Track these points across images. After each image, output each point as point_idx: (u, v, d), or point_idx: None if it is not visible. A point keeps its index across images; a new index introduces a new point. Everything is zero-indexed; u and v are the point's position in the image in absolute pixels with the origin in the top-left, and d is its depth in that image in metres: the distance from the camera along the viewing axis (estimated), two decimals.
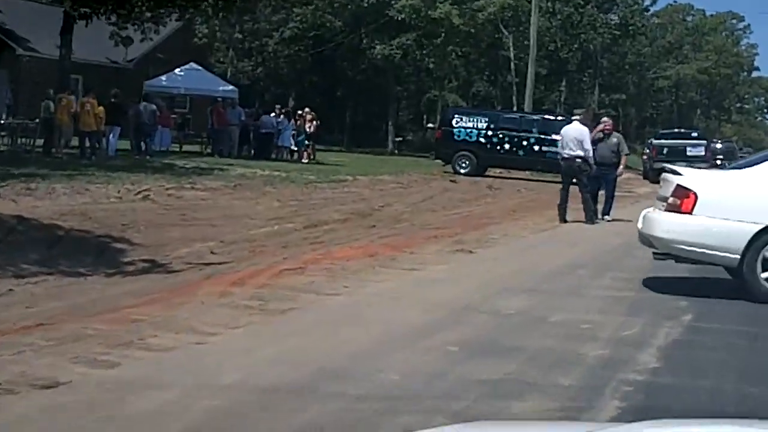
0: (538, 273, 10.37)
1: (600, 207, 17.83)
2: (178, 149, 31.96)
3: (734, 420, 3.27)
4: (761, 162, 9.64)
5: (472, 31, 41.81)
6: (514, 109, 42.84)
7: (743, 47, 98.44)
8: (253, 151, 31.85)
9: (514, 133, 30.96)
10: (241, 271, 10.15)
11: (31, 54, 40.32)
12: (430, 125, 49.14)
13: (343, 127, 53.15)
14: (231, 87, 34.36)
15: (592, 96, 64.13)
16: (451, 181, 27.98)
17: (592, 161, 16.73)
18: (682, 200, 9.13)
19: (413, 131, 57.46)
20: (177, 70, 34.96)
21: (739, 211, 9.06)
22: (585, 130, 16.96)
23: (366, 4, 43.02)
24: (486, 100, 54.63)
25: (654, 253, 9.72)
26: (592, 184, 18.04)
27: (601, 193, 18.01)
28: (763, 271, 8.95)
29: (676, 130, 43.29)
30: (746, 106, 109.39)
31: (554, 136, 29.50)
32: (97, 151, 24.95)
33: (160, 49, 43.22)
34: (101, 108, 25.00)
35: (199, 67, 34.73)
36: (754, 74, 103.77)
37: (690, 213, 9.08)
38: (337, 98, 54.35)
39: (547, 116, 33.77)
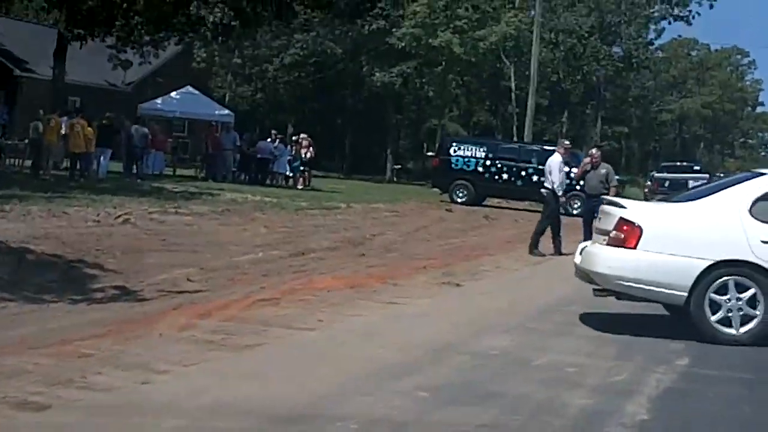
0: (527, 309, 9.82)
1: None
2: (171, 173, 31.52)
3: None
4: (708, 194, 9.10)
5: (473, 60, 41.42)
6: (515, 139, 42.40)
7: (748, 82, 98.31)
8: (248, 177, 31.40)
9: (513, 163, 30.48)
10: (214, 300, 9.61)
11: (29, 75, 40.02)
12: (429, 153, 48.69)
13: (342, 154, 52.68)
14: (227, 111, 33.96)
15: (594, 128, 63.72)
16: (447, 210, 27.47)
17: (558, 192, 16.73)
18: (627, 234, 8.60)
19: (413, 159, 57.00)
20: (173, 94, 34.57)
21: (687, 246, 8.53)
22: (554, 161, 16.74)
23: (367, 32, 42.64)
24: (487, 130, 54.20)
25: (594, 290, 9.16)
26: (586, 215, 17.63)
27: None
28: (713, 313, 8.42)
29: (678, 163, 42.79)
30: (750, 141, 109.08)
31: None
32: (87, 174, 24.44)
33: (159, 73, 42.94)
34: (90, 129, 24.51)
35: (196, 91, 34.32)
36: (759, 109, 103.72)
37: (634, 248, 8.54)
38: (337, 125, 53.96)
39: (546, 147, 33.22)
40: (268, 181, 31.83)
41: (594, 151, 18.59)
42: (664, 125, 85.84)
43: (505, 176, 30.40)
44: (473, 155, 30.67)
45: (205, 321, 8.12)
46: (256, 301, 9.46)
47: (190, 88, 34.54)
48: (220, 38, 40.34)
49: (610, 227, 8.77)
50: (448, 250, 17.10)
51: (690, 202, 9.05)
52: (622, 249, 8.58)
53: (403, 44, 40.90)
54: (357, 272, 12.99)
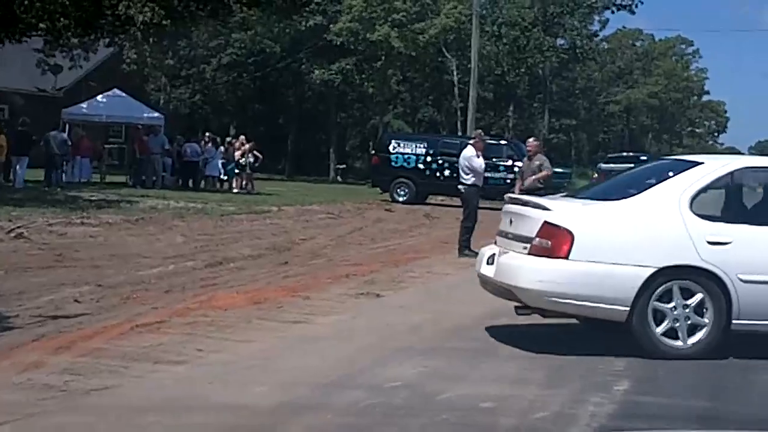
0: (450, 324, 8.60)
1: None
2: (99, 180, 30.01)
3: None
4: (642, 190, 7.82)
5: (413, 54, 40.19)
6: (459, 134, 41.28)
7: (693, 71, 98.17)
8: (181, 182, 29.99)
9: (455, 159, 29.11)
10: (88, 327, 8.28)
11: None
12: (374, 152, 47.48)
13: (286, 156, 51.33)
14: (156, 114, 32.41)
15: (542, 121, 62.90)
16: (386, 210, 26.26)
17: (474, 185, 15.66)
18: (555, 241, 7.30)
19: (360, 158, 55.80)
20: (99, 97, 32.93)
21: (626, 253, 7.31)
22: (467, 154, 15.54)
23: (304, 28, 41.29)
24: (432, 126, 53.07)
25: (516, 308, 7.90)
26: None
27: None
28: (657, 324, 7.27)
29: (624, 153, 41.90)
30: (697, 130, 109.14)
31: (497, 161, 28.04)
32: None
33: (92, 77, 41.30)
34: (2, 136, 22.97)
35: (123, 94, 32.70)
36: (705, 98, 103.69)
37: (566, 257, 7.27)
38: (279, 126, 52.57)
39: (489, 140, 32.14)
40: (202, 185, 30.48)
41: (531, 140, 17.48)
42: (612, 116, 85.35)
43: (447, 173, 29.15)
44: (413, 152, 29.50)
45: (59, 357, 6.80)
46: (135, 327, 8.14)
47: (117, 91, 32.92)
48: (151, 39, 38.84)
49: (532, 233, 7.47)
50: (379, 254, 15.90)
51: (625, 200, 7.69)
52: (551, 259, 7.29)
53: (340, 40, 39.55)
54: (270, 284, 11.72)
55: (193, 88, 50.96)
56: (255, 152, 30.48)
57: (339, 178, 47.46)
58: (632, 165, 35.61)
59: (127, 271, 12.55)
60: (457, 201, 29.58)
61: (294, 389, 5.89)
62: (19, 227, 14.55)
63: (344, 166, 49.15)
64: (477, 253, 15.58)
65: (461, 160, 15.84)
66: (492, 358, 7.10)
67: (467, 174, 15.57)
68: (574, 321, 8.37)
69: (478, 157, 15.84)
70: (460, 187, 15.81)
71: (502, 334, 8.14)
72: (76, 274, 11.92)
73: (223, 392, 5.85)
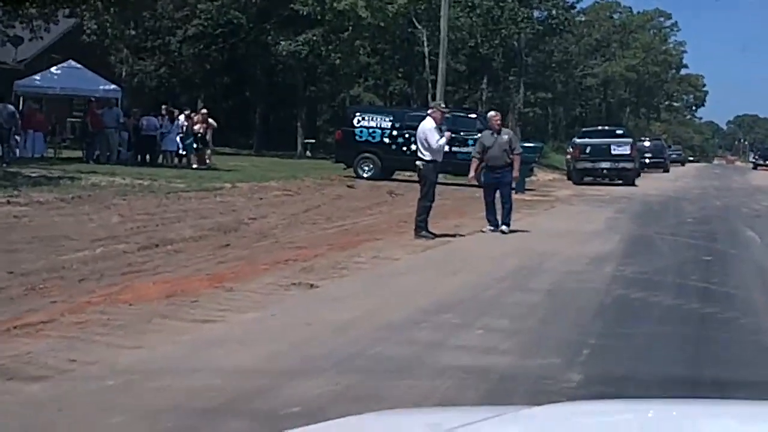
0: (382, 322, 7.42)
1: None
2: (53, 155, 28.64)
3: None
4: None
5: (383, 25, 38.80)
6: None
7: (671, 45, 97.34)
8: (139, 157, 28.68)
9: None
10: None
11: None
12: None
13: (251, 130, 49.92)
14: (113, 86, 31.02)
15: (517, 95, 61.64)
16: (348, 186, 25.09)
17: (432, 161, 14.41)
18: None
19: (330, 133, 54.40)
20: (53, 68, 31.56)
21: None
22: (426, 126, 14.35)
23: None
24: (404, 99, 51.72)
25: None
26: (488, 191, 15.42)
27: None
28: None
29: (599, 127, 40.70)
30: (675, 104, 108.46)
31: (466, 135, 26.82)
32: None
33: (55, 49, 39.75)
34: None
35: (79, 65, 31.28)
36: (683, 71, 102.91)
37: None
38: (247, 99, 51.10)
39: (458, 113, 30.91)
40: (160, 161, 29.18)
41: (492, 113, 16.36)
42: (589, 90, 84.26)
43: (414, 147, 27.87)
44: (378, 126, 28.24)
45: None
46: (12, 328, 6.94)
47: (72, 62, 31.51)
48: (112, 9, 37.38)
49: None
50: (330, 236, 14.74)
51: None
52: None
53: (307, 9, 38.11)
54: (199, 271, 10.57)
55: (158, 61, 49.33)
56: (208, 121, 29.11)
57: (308, 153, 46.10)
58: (607, 139, 34.86)
59: (47, 255, 11.39)
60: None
61: (158, 421, 4.69)
62: None
63: (314, 141, 47.73)
64: (434, 235, 14.57)
65: (418, 133, 14.66)
66: (424, 371, 5.92)
67: (425, 148, 14.38)
68: (536, 319, 7.25)
69: (439, 129, 14.66)
70: (417, 162, 14.62)
71: (440, 336, 6.97)
72: None
73: (69, 425, 4.66)
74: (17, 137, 27.47)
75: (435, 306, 8.12)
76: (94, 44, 42.47)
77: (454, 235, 14.71)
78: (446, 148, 26.95)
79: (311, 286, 9.19)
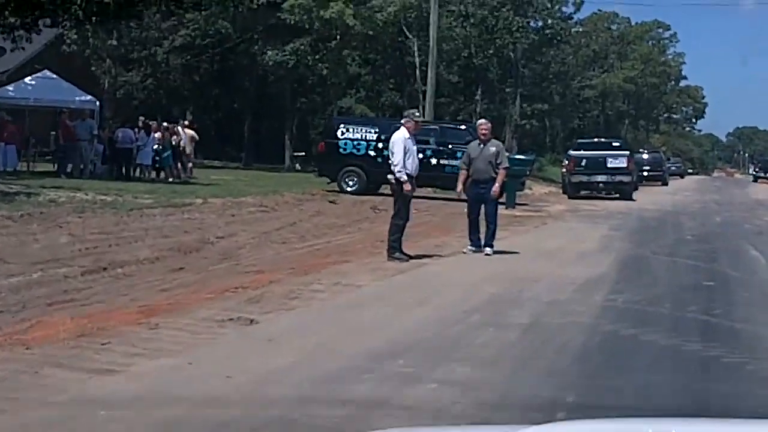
0: (315, 374, 6.13)
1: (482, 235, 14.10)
2: (26, 169, 27.42)
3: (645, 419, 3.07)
4: None
5: (371, 33, 37.57)
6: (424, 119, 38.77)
7: (670, 56, 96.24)
8: (115, 171, 27.46)
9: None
10: None
11: None
12: None
13: (240, 143, 48.70)
14: (89, 98, 29.77)
15: (513, 106, 60.43)
16: (330, 201, 23.84)
17: (402, 176, 13.06)
18: None
19: None
20: (27, 79, 30.40)
21: None
22: (396, 137, 13.10)
23: (257, 6, 38.61)
24: (397, 111, 50.47)
25: None
26: (472, 208, 14.19)
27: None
28: None
29: (595, 139, 39.42)
30: (674, 116, 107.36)
31: (455, 147, 25.62)
32: None
33: (39, 60, 38.56)
34: None
35: (54, 76, 30.10)
36: (682, 83, 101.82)
37: None
38: (236, 111, 49.90)
39: (446, 125, 29.70)
40: (138, 174, 27.97)
41: (482, 121, 15.16)
42: (587, 102, 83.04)
43: None
44: (363, 137, 27.01)
45: None
46: None
47: (48, 72, 30.36)
48: (93, 18, 36.20)
49: None
50: (297, 257, 13.51)
51: None
52: None
53: (294, 18, 36.87)
54: (135, 301, 9.35)
55: (144, 72, 48.15)
56: (179, 132, 27.90)
57: (298, 166, 44.91)
58: (603, 151, 33.60)
59: None
60: (418, 191, 27.34)
61: None
62: None
63: (303, 154, 46.48)
64: (409, 257, 13.30)
65: (391, 145, 13.41)
66: None
67: (392, 159, 13.15)
68: (505, 363, 5.98)
69: (412, 141, 13.43)
70: (389, 177, 13.36)
71: (384, 390, 5.70)
72: None
73: None
74: None
75: (388, 348, 6.87)
76: (78, 55, 41.33)
77: (431, 257, 13.46)
78: (433, 161, 26.39)
79: (251, 321, 7.94)
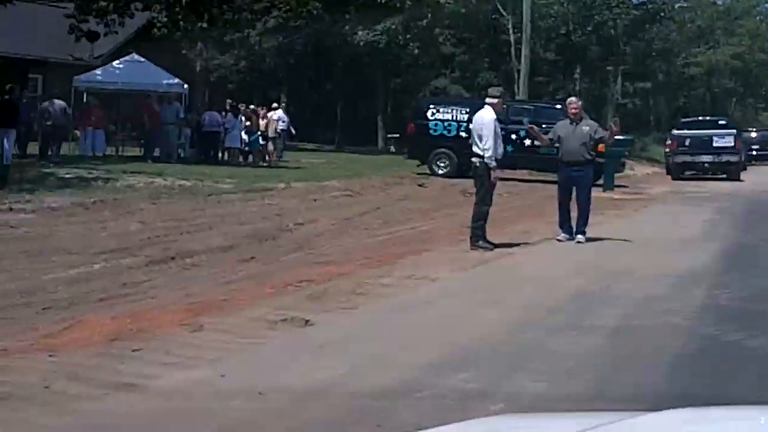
0: (362, 390, 5.29)
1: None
2: (114, 153, 27.30)
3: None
4: None
5: (464, 11, 36.48)
6: (517, 97, 37.57)
7: None
8: (202, 155, 27.11)
9: (501, 125, 25.56)
10: None
11: None
12: None
13: (334, 125, 48.15)
14: (176, 81, 29.44)
15: (614, 85, 58.62)
16: (419, 185, 23.01)
17: (492, 163, 11.93)
18: None
19: None
20: (115, 63, 30.27)
21: None
22: (486, 118, 12.06)
23: None
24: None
25: None
26: (562, 192, 13.19)
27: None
28: None
29: (700, 118, 37.68)
30: None
31: (549, 128, 24.45)
32: None
33: (133, 44, 38.62)
34: None
35: (141, 59, 29.88)
36: None
37: None
38: (328, 93, 49.37)
39: (540, 104, 28.55)
40: (226, 158, 27.59)
41: (572, 99, 14.13)
42: (692, 79, 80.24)
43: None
44: (454, 118, 26.11)
45: None
46: None
47: (135, 56, 30.19)
48: (184, 1, 36.00)
49: None
50: (375, 246, 12.77)
51: None
52: None
53: None
54: (189, 296, 8.69)
55: (238, 55, 47.94)
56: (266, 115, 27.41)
57: (392, 148, 44.10)
58: (708, 130, 32.01)
59: (29, 274, 9.72)
60: (510, 173, 26.30)
61: None
62: None
63: (397, 135, 45.64)
64: (493, 245, 12.39)
65: (474, 125, 12.48)
66: None
67: (481, 143, 12.18)
68: (567, 392, 5.08)
69: (499, 121, 12.47)
70: (474, 160, 12.41)
71: (440, 413, 4.85)
72: None
73: None
74: (77, 132, 26.33)
75: (451, 357, 6.01)
76: (169, 39, 41.22)
77: (517, 245, 12.51)
78: (527, 142, 25.32)
79: (305, 323, 7.16)
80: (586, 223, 12.90)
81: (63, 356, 6.11)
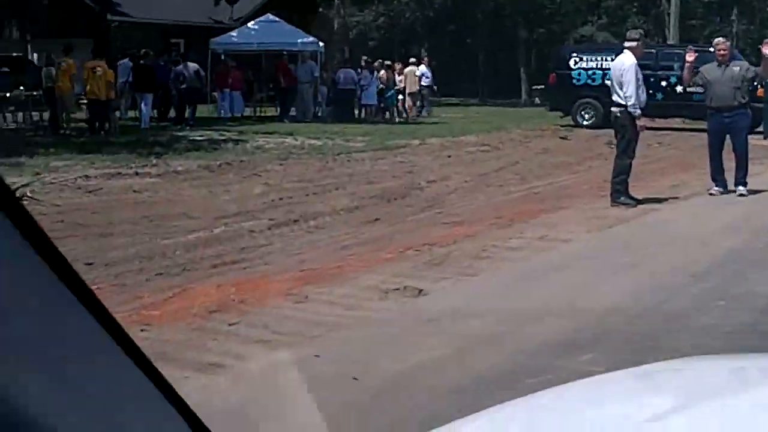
0: (466, 374, 4.61)
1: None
2: (252, 114, 27.20)
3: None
4: None
5: None
6: (668, 42, 35.76)
7: None
8: (338, 113, 26.71)
9: (649, 72, 24.12)
10: None
11: (122, 18, 36.34)
12: None
13: (476, 78, 47.12)
14: (311, 39, 29.02)
15: None
16: (561, 138, 21.96)
17: (636, 111, 10.88)
18: None
19: None
20: (250, 24, 30.08)
21: None
22: (626, 63, 11.01)
23: None
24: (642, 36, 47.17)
25: None
26: (713, 142, 12.07)
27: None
28: None
29: None
30: None
31: None
32: (109, 125, 20.18)
33: (273, 5, 38.60)
34: (111, 72, 20.27)
35: (277, 19, 29.55)
36: None
37: None
38: (469, 46, 48.32)
39: (693, 48, 26.83)
40: (363, 115, 27.13)
41: (720, 39, 12.92)
42: None
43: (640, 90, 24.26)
44: (599, 66, 24.81)
45: None
46: None
47: (270, 16, 29.86)
48: None
49: None
50: (509, 203, 12.02)
51: None
52: None
53: None
54: (305, 263, 8.16)
55: (377, 11, 47.42)
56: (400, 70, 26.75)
57: (537, 100, 42.84)
58: None
59: (150, 239, 9.37)
60: (659, 122, 24.87)
61: None
62: (26, 184, 11.47)
63: (542, 87, 44.33)
64: (636, 201, 11.44)
65: (614, 71, 11.50)
66: None
67: (622, 91, 11.19)
68: None
69: (639, 67, 11.45)
70: (614, 109, 11.45)
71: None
72: (67, 248, 8.76)
73: None
74: (215, 95, 26.36)
75: (574, 335, 5.24)
76: None
77: (665, 200, 11.51)
78: (678, 89, 23.86)
79: (419, 292, 6.50)
80: (746, 174, 11.78)
81: (155, 331, 5.64)
